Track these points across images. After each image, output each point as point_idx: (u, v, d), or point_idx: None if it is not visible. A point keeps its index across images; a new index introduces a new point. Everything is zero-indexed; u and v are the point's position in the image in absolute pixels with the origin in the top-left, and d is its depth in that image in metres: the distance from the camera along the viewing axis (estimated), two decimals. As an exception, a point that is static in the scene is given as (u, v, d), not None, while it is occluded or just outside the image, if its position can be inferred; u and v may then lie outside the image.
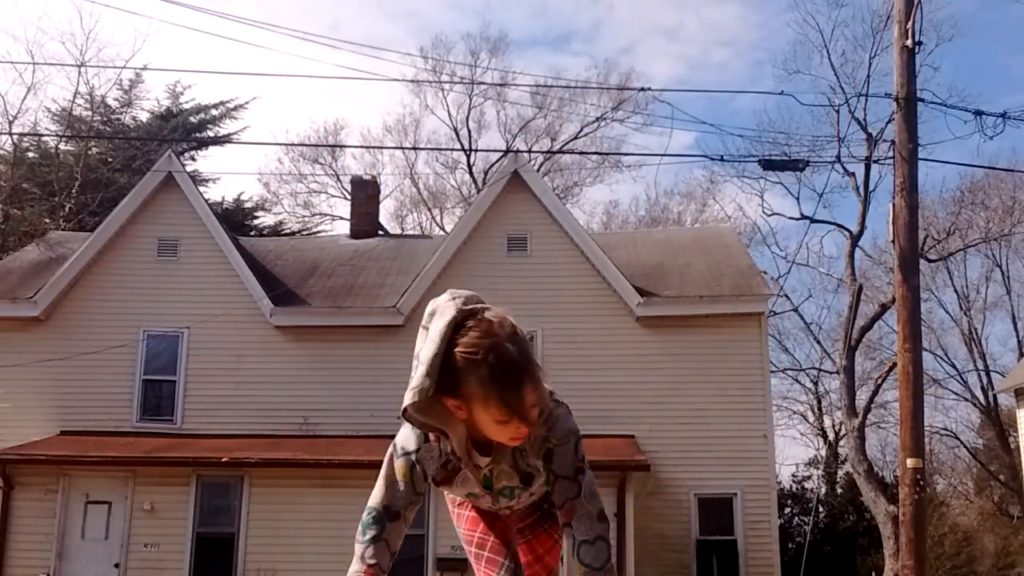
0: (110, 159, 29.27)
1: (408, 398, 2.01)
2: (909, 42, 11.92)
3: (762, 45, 54.49)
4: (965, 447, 32.32)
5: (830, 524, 26.38)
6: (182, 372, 17.21)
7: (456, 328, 2.00)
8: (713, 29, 56.25)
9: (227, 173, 38.15)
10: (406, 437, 2.23)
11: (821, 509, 26.16)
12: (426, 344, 2.02)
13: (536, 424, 2.08)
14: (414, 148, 36.01)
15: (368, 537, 2.19)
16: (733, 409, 16.49)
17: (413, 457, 2.21)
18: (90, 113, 29.71)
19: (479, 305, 2.07)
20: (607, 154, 33.98)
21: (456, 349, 1.97)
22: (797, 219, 26.41)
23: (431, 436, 2.21)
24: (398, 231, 32.95)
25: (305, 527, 14.88)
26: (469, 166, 35.86)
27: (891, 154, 12.82)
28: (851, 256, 22.54)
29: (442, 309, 2.05)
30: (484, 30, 78.80)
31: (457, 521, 2.69)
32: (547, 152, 34.77)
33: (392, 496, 2.21)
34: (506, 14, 54.71)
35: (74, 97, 28.19)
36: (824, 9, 48.97)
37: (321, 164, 36.42)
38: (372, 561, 2.18)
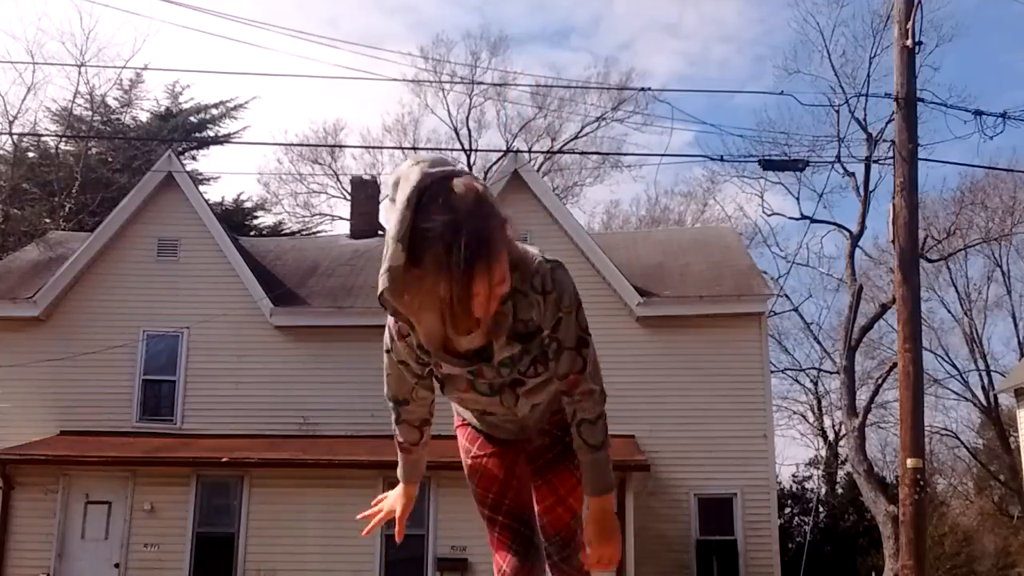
0: (110, 159, 29.26)
1: (381, 282, 1.88)
2: (909, 42, 11.92)
3: (762, 41, 54.49)
4: (965, 447, 32.32)
5: (830, 524, 26.38)
6: (182, 372, 17.20)
7: (421, 194, 1.84)
8: (713, 24, 56.25)
9: (227, 173, 38.15)
10: (387, 333, 2.24)
11: (821, 509, 26.15)
12: (392, 218, 1.86)
13: (491, 312, 1.92)
14: (414, 148, 36.00)
15: (393, 423, 2.45)
16: (733, 409, 16.49)
17: (393, 355, 2.27)
18: (90, 113, 29.70)
19: (445, 168, 1.89)
20: (607, 154, 33.99)
21: (418, 220, 1.82)
22: (797, 219, 26.45)
23: (398, 334, 2.18)
24: (398, 231, 32.86)
25: (305, 527, 14.88)
26: (469, 166, 35.80)
27: (891, 154, 12.82)
28: (851, 256, 22.52)
29: (406, 175, 1.88)
30: (483, 27, 78.87)
31: (465, 457, 2.53)
32: (547, 152, 34.79)
33: (394, 387, 2.36)
34: (504, 9, 54.68)
35: (74, 97, 28.18)
36: (824, 8, 48.82)
37: (321, 164, 36.47)
38: (400, 439, 2.46)
